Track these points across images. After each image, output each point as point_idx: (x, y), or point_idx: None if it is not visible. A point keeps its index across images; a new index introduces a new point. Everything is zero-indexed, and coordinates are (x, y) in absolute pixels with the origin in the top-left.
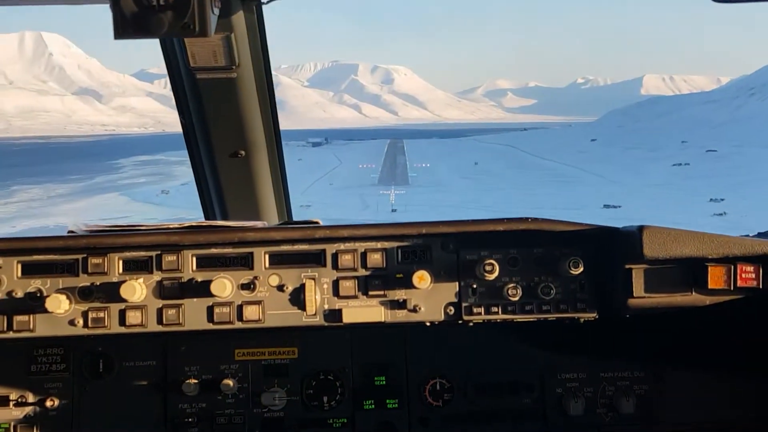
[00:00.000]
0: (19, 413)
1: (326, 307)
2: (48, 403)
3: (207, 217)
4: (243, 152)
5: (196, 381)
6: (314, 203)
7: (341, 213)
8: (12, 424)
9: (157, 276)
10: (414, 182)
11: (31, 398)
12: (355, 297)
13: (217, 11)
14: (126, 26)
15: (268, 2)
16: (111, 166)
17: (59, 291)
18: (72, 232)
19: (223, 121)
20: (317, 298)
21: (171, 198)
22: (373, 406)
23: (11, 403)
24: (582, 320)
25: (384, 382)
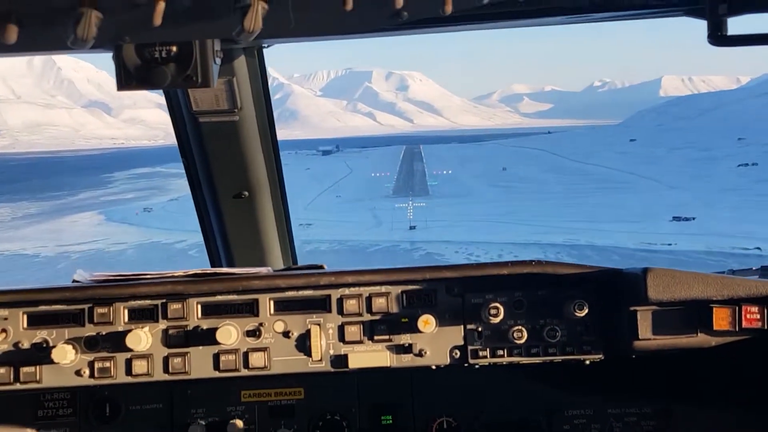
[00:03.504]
0: None
1: (332, 352)
2: None
3: (211, 257)
4: (246, 193)
5: (203, 424)
6: (317, 221)
7: (347, 233)
8: None
9: (162, 324)
10: (435, 192)
11: None
12: (360, 342)
13: (219, 61)
14: (129, 78)
15: (268, 46)
16: (102, 180)
17: (65, 342)
18: (77, 281)
19: (226, 163)
20: (323, 343)
21: (152, 217)
22: None
23: None
24: (588, 362)
25: (391, 422)
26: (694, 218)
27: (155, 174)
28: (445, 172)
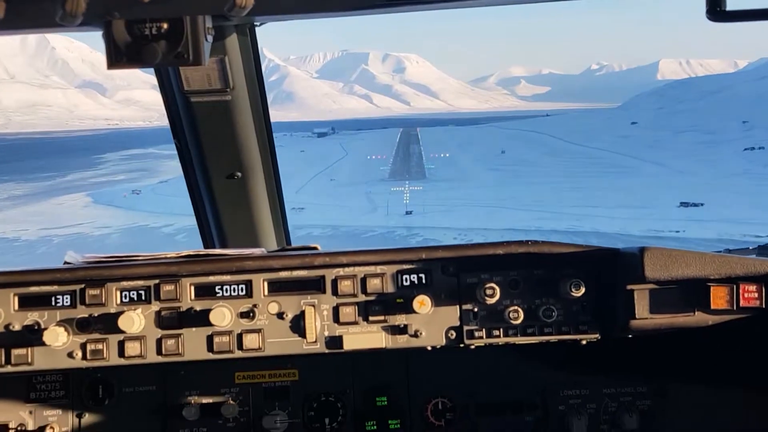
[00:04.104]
0: None
1: (327, 333)
2: (48, 431)
3: (204, 238)
4: (239, 174)
5: (196, 405)
6: (310, 205)
7: (341, 218)
8: None
9: (155, 306)
10: (432, 176)
11: (30, 425)
12: (355, 323)
13: (210, 39)
14: (119, 56)
15: (261, 24)
16: (94, 161)
17: (57, 323)
18: (68, 263)
19: (219, 144)
20: (317, 324)
21: (140, 199)
22: (375, 427)
23: (10, 431)
24: (584, 342)
25: (385, 403)
26: (702, 204)
27: (147, 155)
28: (442, 155)
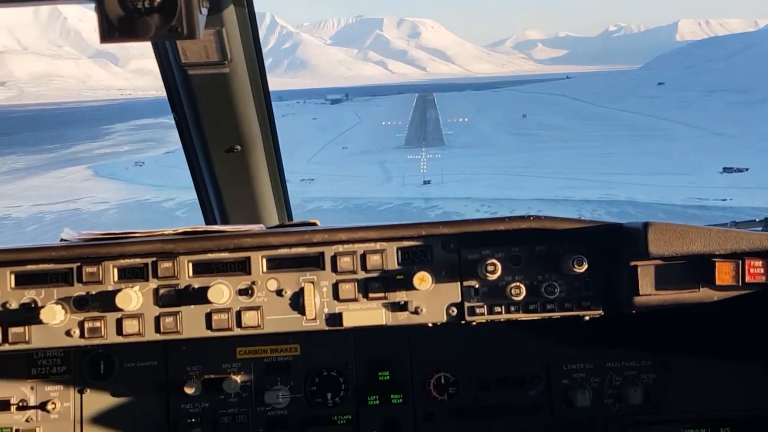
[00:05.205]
0: (20, 417)
1: (326, 310)
2: (49, 407)
3: (204, 213)
4: (239, 147)
5: (198, 381)
6: (320, 176)
7: (354, 189)
8: (13, 428)
9: (153, 284)
10: (451, 142)
11: (32, 402)
12: (355, 300)
13: (205, 11)
14: (112, 30)
15: None
16: (101, 132)
17: (54, 302)
18: (65, 240)
19: (217, 117)
20: (317, 302)
21: (143, 172)
22: (377, 401)
23: (13, 407)
24: (587, 318)
25: (388, 378)
26: (747, 169)
27: (157, 125)
28: (460, 120)
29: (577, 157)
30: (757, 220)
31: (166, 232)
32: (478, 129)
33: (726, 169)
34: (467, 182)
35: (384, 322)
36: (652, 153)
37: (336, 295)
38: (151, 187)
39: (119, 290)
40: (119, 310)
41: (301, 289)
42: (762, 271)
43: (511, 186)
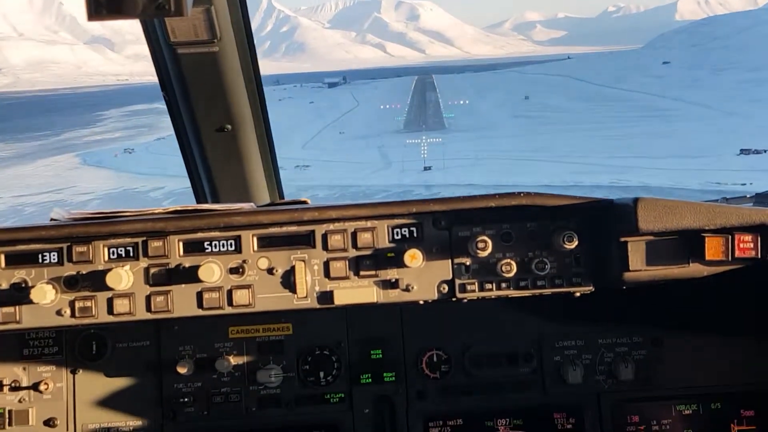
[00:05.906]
0: (13, 397)
1: (317, 289)
2: (42, 387)
3: (196, 193)
4: (229, 126)
5: (190, 360)
6: (316, 162)
7: (351, 176)
8: (6, 408)
9: (143, 263)
10: (452, 125)
11: (24, 382)
12: (346, 278)
13: None
14: (99, 8)
15: None
16: (93, 118)
17: (45, 281)
18: (55, 220)
19: (207, 96)
20: (308, 280)
21: (132, 159)
22: (370, 380)
23: (5, 388)
24: (578, 294)
25: (380, 356)
26: (765, 150)
27: (150, 111)
28: (461, 102)
29: (584, 139)
30: (748, 195)
31: (156, 211)
32: (479, 111)
33: (743, 151)
34: (470, 168)
35: (375, 300)
36: (662, 134)
37: (327, 273)
38: (139, 176)
39: (110, 269)
40: (110, 289)
41: (292, 268)
42: (751, 246)
43: (518, 171)
